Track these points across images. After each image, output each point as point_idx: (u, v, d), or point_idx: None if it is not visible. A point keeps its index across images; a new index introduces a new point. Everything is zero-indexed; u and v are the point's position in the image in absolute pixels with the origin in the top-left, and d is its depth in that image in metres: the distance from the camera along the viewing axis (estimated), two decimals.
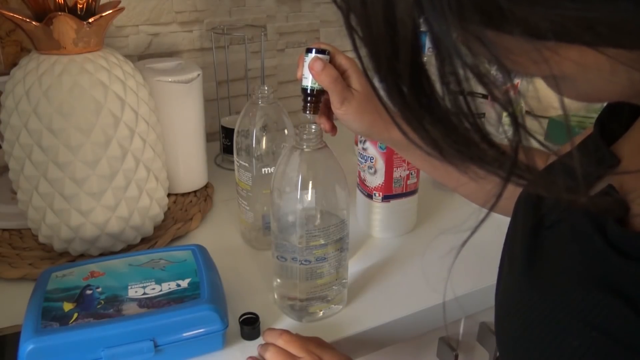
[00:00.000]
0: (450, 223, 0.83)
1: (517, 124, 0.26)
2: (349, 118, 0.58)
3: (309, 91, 0.58)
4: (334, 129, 0.61)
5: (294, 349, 0.55)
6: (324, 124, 0.60)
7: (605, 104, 0.42)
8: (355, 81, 0.57)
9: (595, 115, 0.42)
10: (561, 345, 0.33)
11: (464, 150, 0.28)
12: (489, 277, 0.71)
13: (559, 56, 0.26)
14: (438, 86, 0.26)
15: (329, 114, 0.61)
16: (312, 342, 0.56)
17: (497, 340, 0.43)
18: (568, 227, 0.37)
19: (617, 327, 0.31)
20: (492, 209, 0.28)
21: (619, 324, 0.31)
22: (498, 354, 0.45)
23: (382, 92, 0.28)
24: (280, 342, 0.56)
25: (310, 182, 0.58)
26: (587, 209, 0.35)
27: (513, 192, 0.31)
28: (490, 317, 0.75)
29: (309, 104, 0.58)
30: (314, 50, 0.56)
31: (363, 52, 0.27)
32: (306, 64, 0.56)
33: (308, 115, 0.59)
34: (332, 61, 0.57)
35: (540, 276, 0.38)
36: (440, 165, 0.60)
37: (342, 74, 0.57)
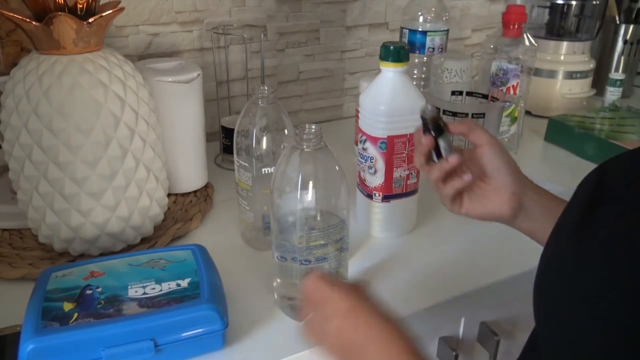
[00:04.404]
0: (450, 223, 0.83)
1: None
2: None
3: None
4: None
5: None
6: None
7: None
8: (489, 162, 0.57)
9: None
10: (608, 320, 0.33)
11: None
12: (489, 277, 0.71)
13: None
14: None
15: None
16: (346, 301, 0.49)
17: (535, 311, 0.41)
18: (629, 203, 0.36)
19: None
20: None
21: None
22: (535, 325, 0.42)
23: None
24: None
25: (310, 182, 0.58)
26: None
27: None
28: (490, 317, 0.75)
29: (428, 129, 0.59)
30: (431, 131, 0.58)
31: None
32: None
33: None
34: (469, 137, 0.58)
35: (593, 247, 0.37)
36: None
37: (476, 148, 0.58)
